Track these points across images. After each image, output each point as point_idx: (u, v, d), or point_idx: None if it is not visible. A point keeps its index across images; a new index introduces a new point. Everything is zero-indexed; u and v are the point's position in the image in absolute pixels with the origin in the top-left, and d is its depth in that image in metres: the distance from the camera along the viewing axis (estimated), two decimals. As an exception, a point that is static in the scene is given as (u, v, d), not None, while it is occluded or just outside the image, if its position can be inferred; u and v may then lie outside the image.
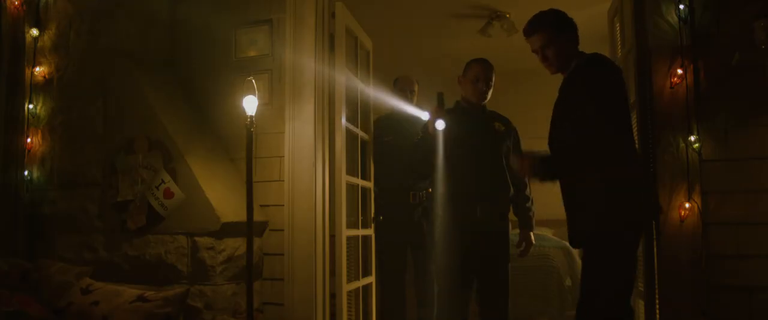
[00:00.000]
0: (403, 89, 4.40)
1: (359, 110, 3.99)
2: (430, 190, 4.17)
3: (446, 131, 3.52)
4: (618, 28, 3.75)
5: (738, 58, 2.87)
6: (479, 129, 3.65)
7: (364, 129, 4.06)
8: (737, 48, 2.88)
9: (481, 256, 3.54)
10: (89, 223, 3.76)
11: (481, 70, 3.63)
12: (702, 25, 2.99)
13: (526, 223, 3.84)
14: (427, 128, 3.53)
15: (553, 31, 2.85)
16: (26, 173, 3.98)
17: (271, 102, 3.70)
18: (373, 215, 4.11)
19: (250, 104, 3.06)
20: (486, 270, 3.58)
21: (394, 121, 4.33)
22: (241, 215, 3.31)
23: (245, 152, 3.09)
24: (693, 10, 3.00)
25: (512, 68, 6.32)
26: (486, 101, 3.69)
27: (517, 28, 5.69)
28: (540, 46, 2.89)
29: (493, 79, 3.66)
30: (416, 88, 4.46)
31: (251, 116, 3.06)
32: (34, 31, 4.07)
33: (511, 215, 3.77)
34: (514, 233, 3.82)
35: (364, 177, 4.03)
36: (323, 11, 3.71)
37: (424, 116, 4.06)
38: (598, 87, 2.65)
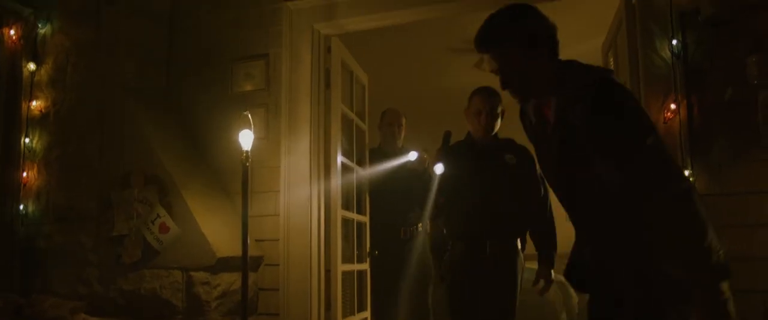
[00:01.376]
0: (391, 123, 4.38)
1: (355, 143, 4.00)
2: (421, 225, 4.17)
3: (452, 168, 3.43)
4: (612, 62, 3.78)
5: (731, 93, 2.88)
6: (487, 164, 3.49)
7: (360, 163, 4.06)
8: (730, 83, 2.90)
9: (487, 291, 3.39)
10: (84, 257, 3.74)
11: (482, 102, 3.47)
12: (695, 60, 3.01)
13: (545, 258, 3.50)
14: (428, 169, 3.49)
15: (517, 48, 1.97)
16: (21, 207, 3.96)
17: (267, 136, 3.71)
18: (368, 250, 4.09)
19: (246, 139, 3.06)
20: (491, 305, 3.40)
21: (383, 155, 4.31)
22: (236, 250, 3.29)
23: (241, 186, 3.09)
24: (686, 46, 3.02)
25: (508, 101, 6.35)
26: (494, 132, 3.52)
27: (512, 62, 5.73)
28: (497, 68, 2.01)
29: (500, 108, 3.49)
30: (404, 121, 4.42)
31: (247, 151, 3.06)
32: (32, 66, 4.09)
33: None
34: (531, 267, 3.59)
35: (360, 211, 4.02)
36: (319, 46, 3.74)
37: (412, 155, 4.05)
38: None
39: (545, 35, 1.99)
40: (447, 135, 3.43)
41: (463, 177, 3.46)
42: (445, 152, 3.45)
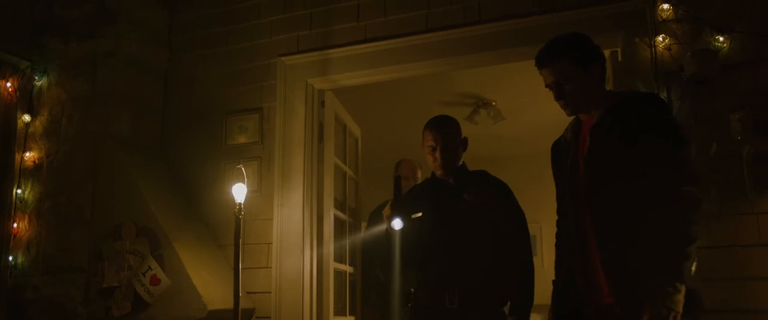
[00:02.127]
0: (406, 177, 4.12)
1: (347, 196, 4.03)
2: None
3: (414, 211, 2.97)
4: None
5: (716, 148, 2.94)
6: (449, 204, 2.99)
7: (352, 216, 4.08)
8: (715, 139, 2.96)
9: None
10: (73, 310, 3.70)
11: (433, 137, 2.98)
12: (680, 116, 3.07)
13: (516, 308, 2.89)
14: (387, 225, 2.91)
15: (571, 64, 2.26)
16: (10, 258, 3.93)
17: (260, 189, 3.74)
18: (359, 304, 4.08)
19: (239, 192, 3.08)
20: None
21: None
22: (228, 303, 3.28)
23: (233, 238, 3.09)
24: (671, 102, 3.08)
25: (498, 155, 6.42)
26: (459, 163, 3.03)
27: (503, 116, 5.83)
28: (553, 81, 2.29)
29: (457, 139, 3.02)
30: (419, 174, 4.26)
31: (240, 204, 3.08)
32: (26, 117, 4.12)
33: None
34: None
35: (352, 264, 4.03)
36: (313, 100, 3.80)
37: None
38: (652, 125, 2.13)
39: (596, 59, 2.31)
40: (397, 181, 2.93)
41: (423, 220, 2.98)
42: (399, 202, 2.89)
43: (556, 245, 2.48)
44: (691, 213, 2.02)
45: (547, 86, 2.33)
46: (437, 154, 2.98)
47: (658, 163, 2.06)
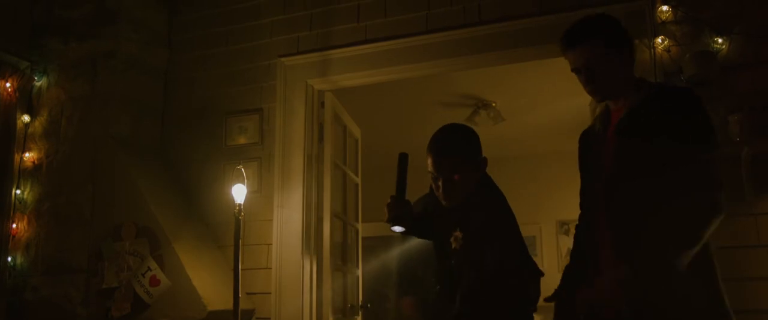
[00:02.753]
0: None
1: (347, 197, 4.03)
2: None
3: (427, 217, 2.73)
4: (599, 119, 3.85)
5: (715, 150, 2.95)
6: (446, 222, 2.57)
7: (352, 217, 4.09)
8: (713, 141, 2.97)
9: None
10: (72, 310, 3.69)
11: (433, 164, 2.42)
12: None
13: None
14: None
15: (604, 45, 2.12)
16: (9, 258, 3.93)
17: (260, 190, 3.74)
18: (360, 303, 4.09)
19: (239, 192, 3.09)
20: None
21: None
22: (227, 304, 3.28)
23: (233, 239, 3.09)
24: (670, 104, 3.09)
25: (498, 156, 6.39)
26: (464, 198, 2.44)
27: (503, 117, 5.83)
28: (584, 64, 2.14)
29: (466, 167, 2.42)
30: None
31: (240, 204, 3.08)
32: (26, 118, 4.11)
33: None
34: None
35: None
36: (313, 101, 3.80)
37: None
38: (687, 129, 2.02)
39: (628, 42, 2.20)
40: (403, 160, 2.51)
41: (430, 229, 2.73)
42: (403, 196, 2.54)
43: (575, 235, 2.43)
44: (713, 220, 1.97)
45: (574, 69, 2.19)
46: (440, 184, 2.43)
47: (685, 166, 1.98)
